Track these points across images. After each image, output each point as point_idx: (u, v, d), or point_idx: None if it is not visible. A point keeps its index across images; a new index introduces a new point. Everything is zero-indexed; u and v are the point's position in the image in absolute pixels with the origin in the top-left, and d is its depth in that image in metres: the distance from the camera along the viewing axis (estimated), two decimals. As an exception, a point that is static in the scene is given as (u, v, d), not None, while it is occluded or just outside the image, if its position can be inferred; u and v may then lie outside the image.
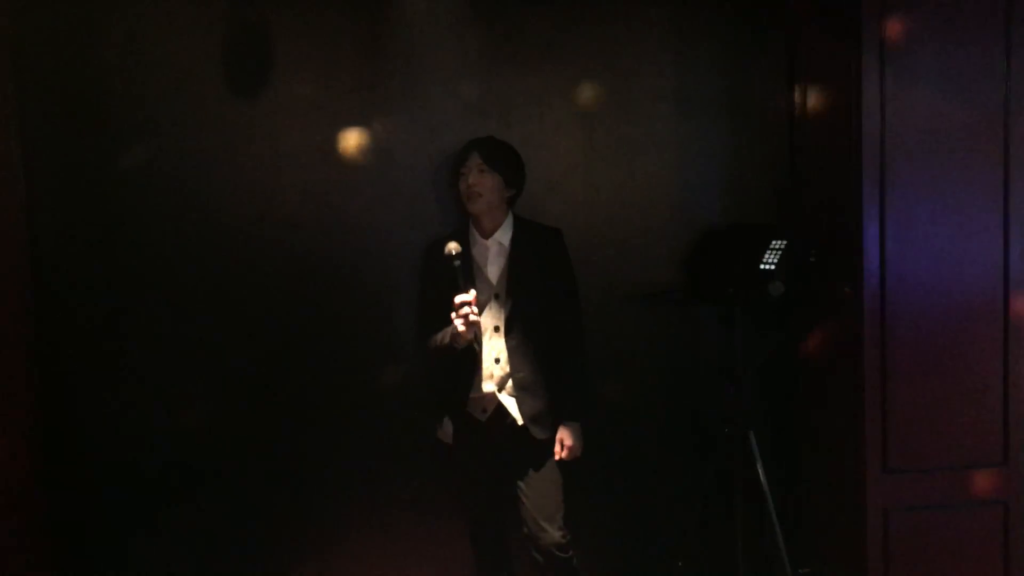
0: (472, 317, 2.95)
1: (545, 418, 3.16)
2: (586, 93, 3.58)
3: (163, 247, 3.44)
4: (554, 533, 3.13)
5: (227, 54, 3.43)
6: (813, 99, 3.50)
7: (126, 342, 3.44)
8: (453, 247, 2.99)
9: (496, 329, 3.14)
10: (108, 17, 3.37)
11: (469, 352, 3.10)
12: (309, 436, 3.53)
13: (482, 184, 3.14)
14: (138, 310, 3.44)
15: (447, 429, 3.22)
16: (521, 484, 3.18)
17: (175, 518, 3.48)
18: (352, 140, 3.49)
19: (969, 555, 3.22)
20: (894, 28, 3.09)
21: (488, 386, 3.14)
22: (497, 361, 3.14)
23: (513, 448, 3.17)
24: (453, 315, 2.97)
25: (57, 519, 3.44)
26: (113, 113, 3.39)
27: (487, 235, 3.19)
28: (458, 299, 2.95)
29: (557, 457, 3.17)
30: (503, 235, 3.19)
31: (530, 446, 3.16)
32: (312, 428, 3.54)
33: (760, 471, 3.29)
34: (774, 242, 3.27)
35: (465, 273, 3.02)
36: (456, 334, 3.00)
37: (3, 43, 3.31)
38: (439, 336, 3.13)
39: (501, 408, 3.15)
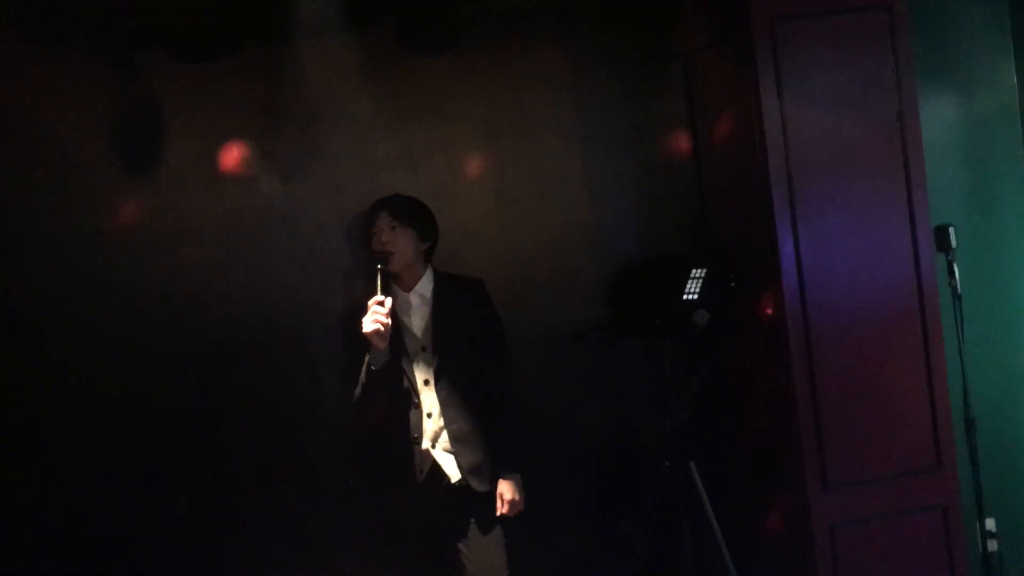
0: (384, 319, 2.89)
1: (484, 470, 3.09)
2: (492, 138, 3.57)
3: (56, 338, 3.27)
4: (498, 597, 3.05)
5: (115, 129, 3.32)
6: (716, 126, 3.55)
7: (21, 435, 3.24)
8: (380, 254, 3.01)
9: (426, 383, 3.08)
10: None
11: (400, 410, 3.03)
12: (226, 522, 3.38)
13: (395, 242, 3.08)
14: (32, 400, 3.25)
15: (382, 493, 3.11)
16: (462, 547, 3.09)
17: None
18: (256, 208, 3.40)
19: (916, 560, 3.25)
20: (787, 56, 3.16)
21: (423, 443, 3.06)
22: (429, 416, 3.07)
23: (451, 510, 3.08)
24: (364, 319, 2.90)
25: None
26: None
27: (407, 290, 3.14)
28: (371, 300, 2.92)
29: (499, 513, 3.09)
30: (424, 287, 3.14)
31: (468, 506, 3.08)
32: (230, 513, 3.38)
33: (704, 500, 3.27)
34: (694, 271, 3.28)
35: (385, 280, 2.99)
36: (369, 338, 2.91)
37: None
38: (361, 374, 3.02)
39: (437, 467, 3.06)
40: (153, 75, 3.32)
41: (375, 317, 2.91)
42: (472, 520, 3.09)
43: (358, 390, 3.05)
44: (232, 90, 3.37)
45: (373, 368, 2.98)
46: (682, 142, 3.68)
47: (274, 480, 3.40)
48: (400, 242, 3.09)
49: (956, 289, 3.25)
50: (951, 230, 3.23)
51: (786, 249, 3.17)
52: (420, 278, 3.14)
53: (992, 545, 3.28)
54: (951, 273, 3.25)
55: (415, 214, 3.15)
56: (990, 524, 3.29)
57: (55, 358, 3.28)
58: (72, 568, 3.26)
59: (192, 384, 3.36)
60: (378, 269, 2.99)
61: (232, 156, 3.38)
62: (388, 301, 2.95)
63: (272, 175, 3.40)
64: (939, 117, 3.67)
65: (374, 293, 2.95)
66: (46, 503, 3.27)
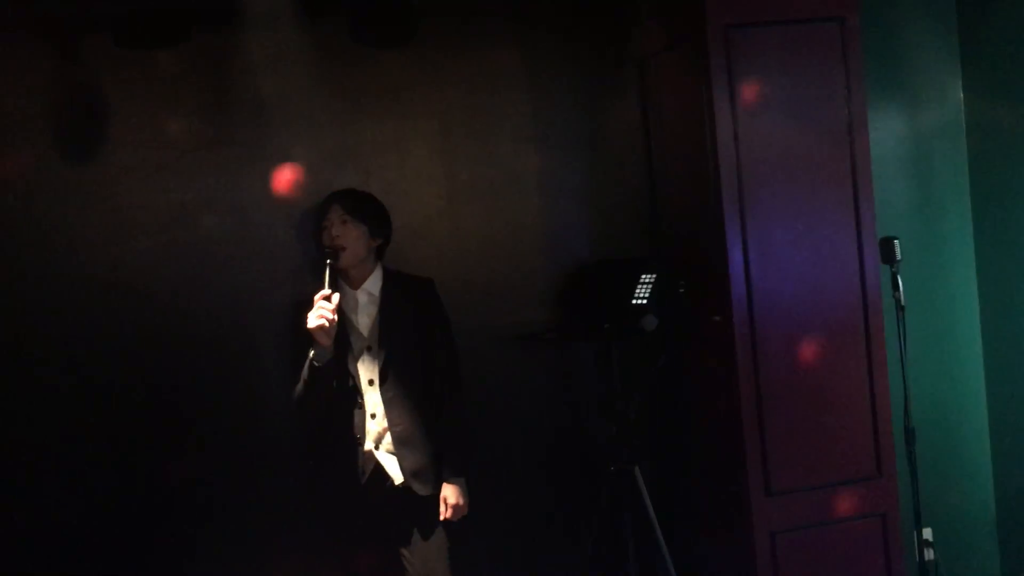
0: (329, 316, 2.83)
1: (427, 473, 3.04)
2: (445, 137, 3.54)
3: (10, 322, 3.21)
4: (439, 603, 3.02)
5: (58, 115, 3.25)
6: (669, 131, 3.56)
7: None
8: (330, 249, 2.94)
9: (371, 382, 3.03)
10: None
11: (343, 410, 2.98)
12: (169, 512, 3.32)
13: (346, 236, 3.02)
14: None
15: (322, 493, 3.06)
16: (404, 551, 3.05)
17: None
18: (201, 200, 3.34)
19: (855, 568, 3.28)
20: (740, 64, 3.17)
21: (367, 444, 3.01)
22: (373, 416, 3.02)
23: (394, 513, 3.03)
24: (310, 314, 2.84)
25: None
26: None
27: (356, 287, 3.08)
28: (318, 295, 2.85)
29: (442, 518, 3.05)
30: (372, 285, 3.09)
31: (412, 509, 3.03)
32: (173, 502, 3.33)
33: (648, 506, 3.27)
34: (644, 276, 3.29)
35: (332, 275, 2.92)
36: (313, 334, 2.85)
37: None
38: (304, 370, 2.95)
39: (379, 469, 3.02)
40: (97, 59, 3.25)
41: (320, 312, 2.85)
42: (415, 524, 3.05)
43: (300, 386, 2.98)
44: (179, 78, 3.31)
45: (316, 364, 2.91)
46: (636, 146, 3.68)
47: (215, 474, 3.35)
48: (351, 237, 3.03)
49: (900, 301, 3.28)
50: (896, 242, 3.26)
51: (735, 256, 3.19)
52: (369, 275, 3.09)
53: (929, 554, 3.32)
54: (895, 285, 3.28)
55: (368, 209, 3.10)
56: (927, 533, 3.33)
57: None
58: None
59: (133, 376, 3.29)
60: (327, 264, 2.92)
61: (177, 145, 3.31)
62: (335, 297, 2.89)
63: (218, 166, 3.33)
64: (887, 130, 3.73)
65: (322, 288, 2.89)
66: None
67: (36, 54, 3.22)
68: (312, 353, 2.90)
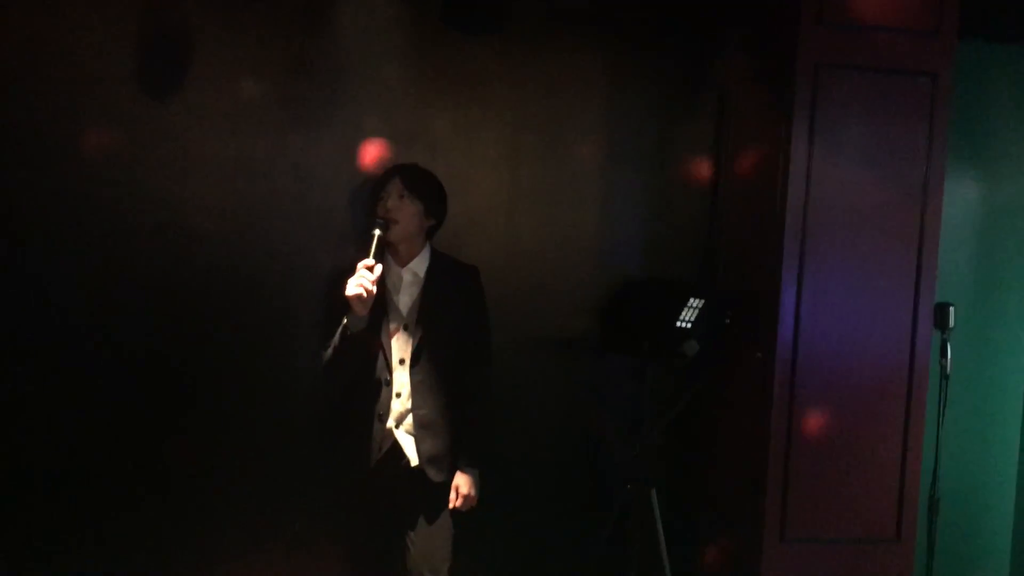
0: (369, 286, 2.80)
1: (443, 460, 3.02)
2: (515, 132, 3.53)
3: (54, 248, 3.24)
4: (438, 586, 2.99)
5: (139, 50, 3.26)
6: (740, 161, 3.53)
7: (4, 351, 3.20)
8: (382, 221, 2.92)
9: (401, 362, 3.00)
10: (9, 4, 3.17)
11: (374, 386, 2.96)
12: (197, 461, 3.34)
13: (400, 211, 3.01)
14: (21, 316, 3.22)
15: (339, 464, 3.05)
16: (409, 531, 3.03)
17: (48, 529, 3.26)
18: (266, 156, 3.35)
19: (858, 629, 3.23)
20: (825, 105, 3.13)
21: (388, 422, 2.99)
22: (398, 396, 3.00)
23: (404, 492, 3.02)
24: (350, 280, 2.82)
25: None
26: (10, 108, 3.20)
27: (402, 264, 3.07)
28: (361, 263, 2.82)
29: (452, 506, 3.04)
30: (418, 265, 3.07)
31: (423, 491, 3.01)
32: (200, 453, 3.34)
33: (659, 531, 3.24)
34: (692, 300, 3.25)
35: (381, 248, 2.89)
36: (350, 301, 2.82)
37: None
38: (335, 335, 2.93)
39: (396, 447, 3.00)
40: (187, 5, 3.27)
41: (360, 281, 2.81)
42: (423, 508, 3.03)
43: (329, 351, 2.96)
44: (265, 29, 3.32)
45: (348, 332, 2.89)
46: (704, 170, 3.65)
47: (246, 430, 3.37)
48: (405, 212, 3.02)
49: (946, 368, 3.25)
50: (951, 309, 3.22)
51: (787, 297, 3.15)
52: (416, 255, 3.07)
53: (937, 625, 3.27)
54: (943, 352, 3.25)
55: (427, 187, 3.08)
56: (938, 604, 3.28)
57: (44, 268, 3.25)
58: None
59: (172, 317, 3.31)
60: (375, 235, 2.89)
61: (252, 95, 3.33)
62: (378, 268, 2.86)
63: (287, 125, 3.35)
64: (958, 194, 3.67)
65: (366, 257, 2.85)
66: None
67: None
68: (346, 320, 2.88)
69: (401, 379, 3.00)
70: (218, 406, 3.36)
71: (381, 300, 2.94)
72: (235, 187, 3.32)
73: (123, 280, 3.28)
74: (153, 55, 3.27)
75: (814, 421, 3.16)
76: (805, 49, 3.13)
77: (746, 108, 3.52)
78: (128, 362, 3.30)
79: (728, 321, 3.31)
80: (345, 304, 2.85)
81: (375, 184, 3.14)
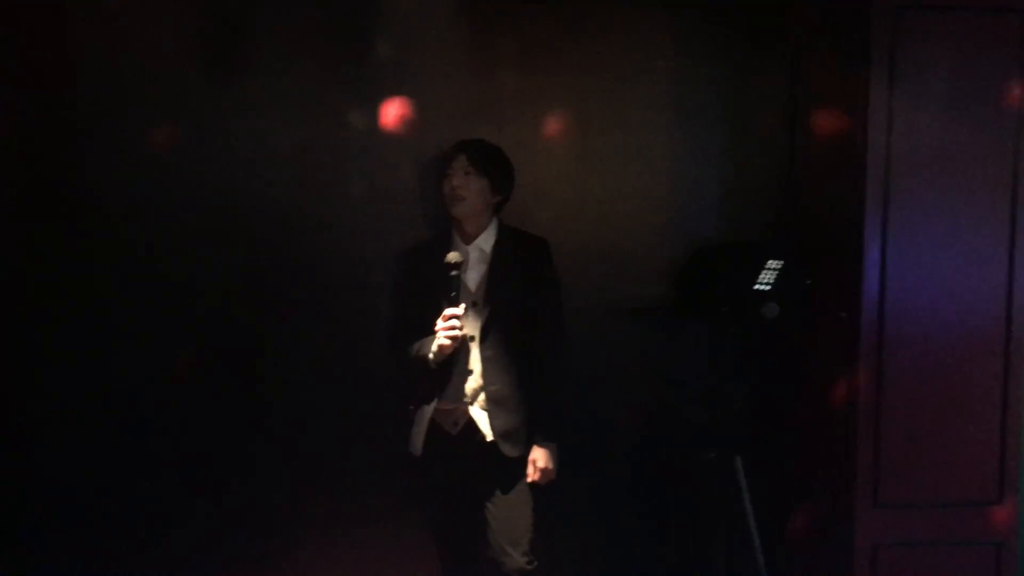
0: (457, 332, 2.87)
1: (518, 435, 3.02)
2: (581, 99, 3.46)
3: (129, 236, 3.32)
4: (519, 559, 2.99)
5: (206, 41, 3.32)
6: (816, 116, 3.39)
7: (84, 337, 3.31)
8: (454, 257, 2.92)
9: (471, 339, 3.01)
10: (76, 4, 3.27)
11: (446, 363, 2.97)
12: (275, 441, 3.40)
13: (466, 187, 3.00)
14: (98, 303, 3.32)
15: (416, 442, 3.07)
16: (488, 505, 3.04)
17: (130, 519, 3.35)
18: (331, 136, 3.36)
19: (959, 596, 3.11)
20: (904, 50, 2.98)
21: (461, 399, 3.01)
22: (471, 372, 3.01)
23: (483, 467, 3.03)
24: (439, 327, 2.87)
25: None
26: (81, 99, 3.28)
27: (469, 240, 3.06)
28: (448, 311, 2.87)
29: (529, 479, 3.03)
30: (485, 241, 3.06)
31: (500, 465, 3.02)
32: (278, 433, 3.41)
33: (745, 498, 3.16)
34: (770, 262, 3.14)
35: (460, 286, 2.93)
36: (439, 347, 2.90)
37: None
38: (416, 347, 3.00)
39: (472, 423, 3.01)
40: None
41: (450, 333, 2.87)
42: (501, 481, 3.03)
43: (405, 362, 3.03)
44: (327, 15, 3.33)
45: (431, 365, 2.95)
46: (778, 129, 3.52)
47: (322, 410, 3.40)
48: (472, 189, 3.01)
49: (1046, 319, 3.06)
50: (1052, 256, 3.03)
51: (872, 253, 3.02)
52: (483, 230, 3.06)
53: (1043, 592, 3.12)
54: (1043, 302, 3.07)
55: (493, 163, 3.07)
56: (1045, 570, 3.12)
57: (120, 255, 3.34)
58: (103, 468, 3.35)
59: (247, 300, 3.37)
60: (454, 275, 2.90)
61: (318, 80, 3.34)
62: (462, 310, 2.89)
63: (351, 105, 3.35)
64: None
65: (450, 297, 2.89)
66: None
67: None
68: (431, 356, 2.94)
69: (472, 356, 3.00)
70: (292, 392, 3.40)
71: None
72: (304, 170, 3.35)
73: (194, 271, 3.35)
74: (214, 46, 3.33)
75: (904, 381, 3.03)
76: (881, -10, 2.98)
77: (820, 59, 3.37)
78: (198, 353, 3.37)
79: (809, 282, 3.19)
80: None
81: (440, 161, 3.13)
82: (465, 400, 3.01)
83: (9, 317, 3.31)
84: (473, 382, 3.01)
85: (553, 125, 3.45)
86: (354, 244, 3.38)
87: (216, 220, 3.33)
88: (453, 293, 2.89)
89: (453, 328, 2.86)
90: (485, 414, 3.00)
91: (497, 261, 3.03)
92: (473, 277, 3.03)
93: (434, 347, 2.92)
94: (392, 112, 3.35)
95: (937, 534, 3.07)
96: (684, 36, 3.49)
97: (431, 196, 3.27)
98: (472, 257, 3.05)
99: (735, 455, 3.18)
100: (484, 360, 2.99)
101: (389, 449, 3.26)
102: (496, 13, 3.39)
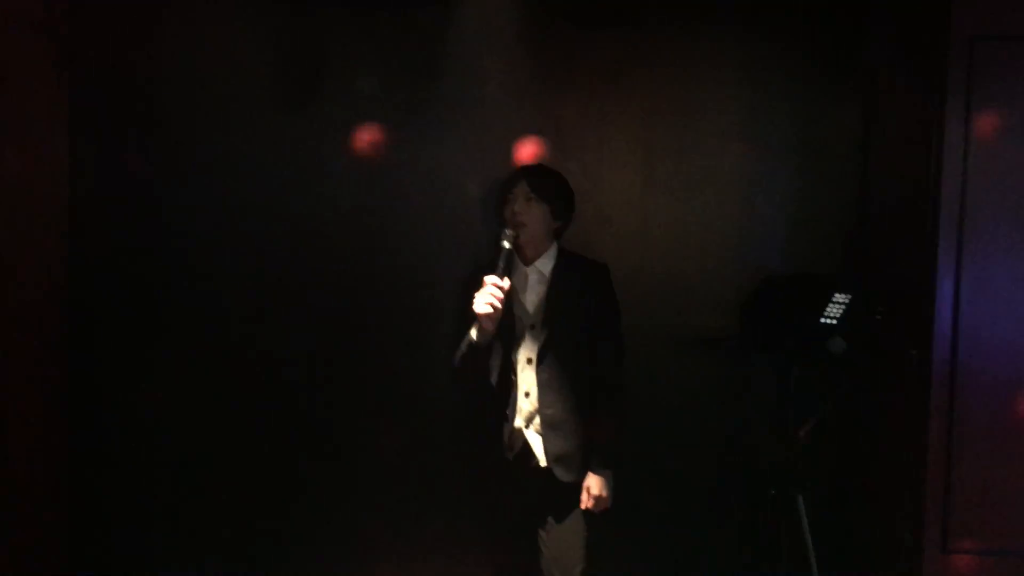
0: (496, 302, 2.79)
1: (572, 460, 2.97)
2: (648, 126, 3.45)
3: (199, 252, 3.44)
4: (571, 589, 2.95)
5: (279, 65, 3.42)
6: (889, 148, 3.31)
7: (157, 350, 3.43)
8: (511, 233, 2.91)
9: (528, 361, 2.98)
10: (162, 24, 3.39)
11: (503, 386, 2.96)
12: (336, 460, 3.46)
13: (527, 214, 3.00)
14: (170, 314, 3.44)
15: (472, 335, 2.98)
16: (542, 532, 3.01)
17: (195, 520, 3.47)
18: (400, 160, 3.42)
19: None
20: (981, 82, 2.91)
21: (516, 422, 2.99)
22: (527, 395, 2.98)
23: (536, 493, 2.99)
24: (478, 294, 2.81)
25: (80, 517, 3.45)
26: (160, 118, 3.41)
27: (528, 263, 3.05)
28: (489, 278, 2.81)
29: (583, 506, 2.98)
30: (544, 264, 3.05)
31: (554, 492, 2.98)
32: (340, 453, 3.46)
33: (807, 537, 3.07)
34: (838, 295, 3.06)
35: (508, 261, 2.87)
36: (478, 317, 2.82)
37: (57, 44, 3.33)
38: (463, 342, 2.96)
39: (527, 447, 2.98)
40: (322, 18, 3.39)
41: (489, 300, 2.81)
42: (554, 507, 3.00)
43: (458, 358, 2.98)
44: (394, 39, 3.40)
45: (474, 343, 2.90)
46: (851, 158, 3.44)
47: (385, 432, 3.45)
48: (533, 215, 3.00)
49: None
50: None
51: (944, 288, 2.92)
52: (543, 254, 3.05)
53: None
54: None
55: (554, 189, 3.06)
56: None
57: (192, 270, 3.46)
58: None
59: (313, 317, 3.44)
60: (504, 246, 2.87)
61: (384, 103, 3.41)
62: (506, 283, 2.84)
63: (419, 129, 3.40)
64: None
65: (496, 270, 2.83)
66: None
67: (266, 9, 3.42)
68: (473, 332, 2.88)
69: (528, 378, 2.98)
70: (355, 410, 3.45)
71: (508, 299, 2.92)
72: (369, 192, 3.41)
73: (262, 288, 3.43)
74: (287, 68, 3.42)
75: (977, 423, 2.92)
76: (960, 21, 2.90)
77: (895, 91, 3.31)
78: (266, 366, 3.44)
79: (879, 317, 3.10)
80: (473, 315, 2.85)
81: (502, 187, 3.14)
82: (522, 423, 2.99)
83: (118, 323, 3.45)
84: (529, 405, 2.98)
85: (618, 151, 3.44)
86: (414, 264, 3.42)
87: (288, 242, 3.43)
88: (501, 265, 2.84)
89: (493, 294, 2.79)
90: (540, 438, 2.98)
91: (556, 284, 3.02)
92: (532, 299, 3.02)
93: (477, 310, 2.83)
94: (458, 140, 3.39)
95: (1010, 584, 2.94)
96: (755, 64, 3.46)
97: (492, 218, 3.29)
98: (531, 279, 3.03)
99: (798, 493, 3.09)
100: (540, 383, 2.97)
101: (449, 472, 3.28)
102: (560, 39, 3.41)
